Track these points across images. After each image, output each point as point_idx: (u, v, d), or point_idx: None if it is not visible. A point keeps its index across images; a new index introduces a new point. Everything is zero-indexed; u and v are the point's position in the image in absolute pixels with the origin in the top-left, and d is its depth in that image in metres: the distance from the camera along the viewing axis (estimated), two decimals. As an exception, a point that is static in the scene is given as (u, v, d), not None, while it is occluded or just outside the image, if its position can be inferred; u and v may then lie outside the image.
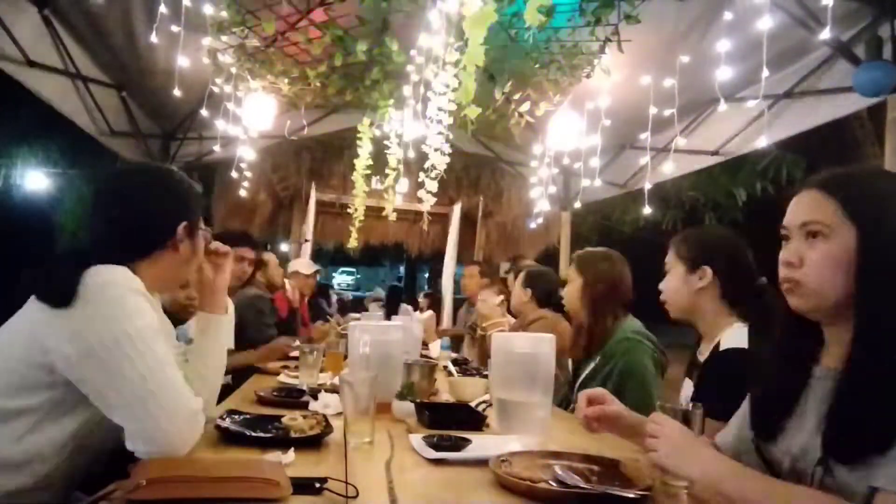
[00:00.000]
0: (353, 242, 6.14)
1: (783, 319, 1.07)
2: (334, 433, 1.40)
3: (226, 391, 1.86)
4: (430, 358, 2.97)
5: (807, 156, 7.72)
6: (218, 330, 1.47)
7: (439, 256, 7.34)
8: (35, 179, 10.00)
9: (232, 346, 1.53)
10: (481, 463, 1.23)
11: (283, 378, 2.36)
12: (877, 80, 2.88)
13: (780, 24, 2.99)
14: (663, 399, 2.07)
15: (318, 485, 1.04)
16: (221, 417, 1.44)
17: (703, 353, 1.62)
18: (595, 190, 4.91)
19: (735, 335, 1.54)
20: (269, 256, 4.28)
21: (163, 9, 3.09)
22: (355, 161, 4.97)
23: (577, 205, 4.80)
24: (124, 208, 1.33)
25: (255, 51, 3.81)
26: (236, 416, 1.51)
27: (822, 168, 1.04)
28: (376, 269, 29.43)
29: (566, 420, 1.91)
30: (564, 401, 2.38)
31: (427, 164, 2.73)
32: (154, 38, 3.23)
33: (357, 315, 4.15)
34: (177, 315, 2.03)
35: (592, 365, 2.20)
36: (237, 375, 2.52)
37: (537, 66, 3.68)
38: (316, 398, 1.81)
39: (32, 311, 1.20)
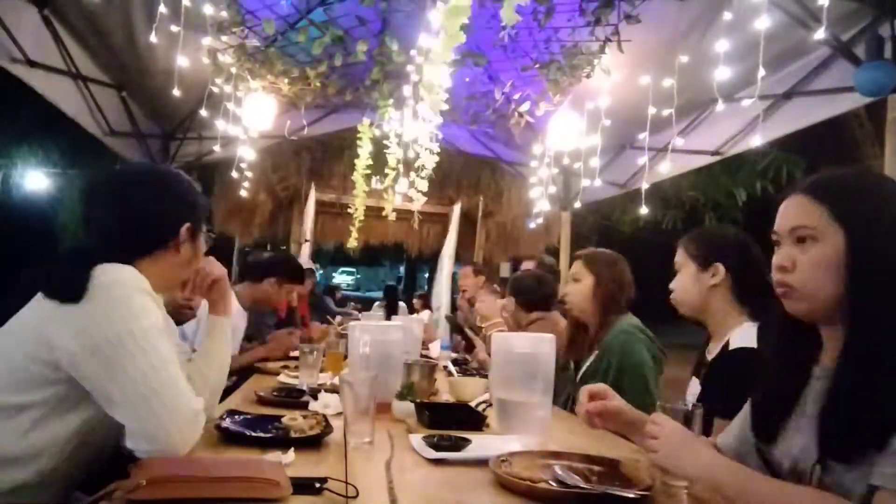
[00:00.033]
0: (352, 242, 6.15)
1: (780, 322, 1.08)
2: (334, 433, 1.40)
3: (226, 392, 1.85)
4: (430, 358, 2.97)
5: (807, 156, 7.74)
6: (221, 331, 1.49)
7: (439, 256, 7.35)
8: (35, 179, 9.98)
9: (237, 352, 1.54)
10: (481, 463, 1.23)
11: (283, 378, 2.36)
12: (878, 80, 2.88)
13: (780, 24, 3.00)
14: (662, 395, 2.07)
15: (318, 485, 1.04)
16: (221, 417, 1.45)
17: (712, 352, 1.62)
18: (595, 190, 4.90)
19: (745, 334, 1.54)
20: None
21: (162, 9, 3.09)
22: (355, 161, 4.98)
23: (577, 205, 4.80)
24: (130, 206, 1.34)
25: (255, 51, 3.82)
26: (236, 416, 1.51)
27: (822, 168, 1.05)
28: (376, 270, 29.45)
29: (566, 420, 1.91)
30: (572, 398, 2.38)
31: (418, 164, 2.73)
32: (154, 38, 3.22)
33: (357, 314, 4.16)
34: (175, 316, 2.03)
35: (591, 359, 2.21)
36: (240, 377, 2.52)
37: (537, 66, 3.68)
38: (316, 398, 1.81)
39: (39, 307, 1.21)
